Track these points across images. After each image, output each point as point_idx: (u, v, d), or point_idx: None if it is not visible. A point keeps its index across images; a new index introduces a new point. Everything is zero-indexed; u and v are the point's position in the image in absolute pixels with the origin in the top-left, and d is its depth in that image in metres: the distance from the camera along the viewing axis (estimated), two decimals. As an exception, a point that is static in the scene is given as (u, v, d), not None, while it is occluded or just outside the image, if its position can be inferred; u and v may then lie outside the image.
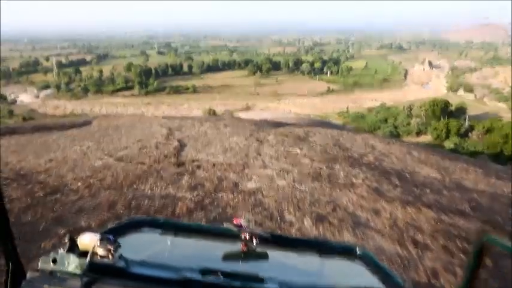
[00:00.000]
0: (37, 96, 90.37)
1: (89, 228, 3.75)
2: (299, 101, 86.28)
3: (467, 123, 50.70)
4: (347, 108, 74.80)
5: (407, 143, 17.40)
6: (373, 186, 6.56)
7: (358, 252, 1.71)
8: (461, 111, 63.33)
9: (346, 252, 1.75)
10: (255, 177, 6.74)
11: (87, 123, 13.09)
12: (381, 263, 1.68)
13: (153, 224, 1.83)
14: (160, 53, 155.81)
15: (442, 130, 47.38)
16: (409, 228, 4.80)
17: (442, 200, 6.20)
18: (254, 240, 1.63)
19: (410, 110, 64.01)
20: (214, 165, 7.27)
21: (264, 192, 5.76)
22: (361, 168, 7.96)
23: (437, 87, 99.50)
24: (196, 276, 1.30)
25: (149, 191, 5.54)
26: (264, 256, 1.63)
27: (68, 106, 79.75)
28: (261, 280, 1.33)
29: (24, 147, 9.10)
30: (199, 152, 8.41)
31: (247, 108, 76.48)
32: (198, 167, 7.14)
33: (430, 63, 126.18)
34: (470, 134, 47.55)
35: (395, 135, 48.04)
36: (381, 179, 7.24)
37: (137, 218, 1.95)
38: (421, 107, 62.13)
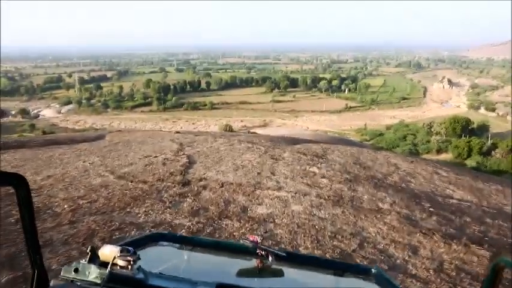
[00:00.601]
0: (59, 112, 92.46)
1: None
2: (316, 118, 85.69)
3: (489, 142, 49.00)
4: (365, 125, 73.64)
5: (431, 161, 16.12)
6: (404, 213, 5.84)
7: (373, 272, 1.70)
8: (483, 129, 61.72)
9: (361, 272, 1.74)
10: (267, 200, 6.09)
11: (100, 137, 12.61)
12: (395, 282, 1.68)
13: (171, 238, 1.88)
14: (179, 70, 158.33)
15: (463, 148, 45.93)
16: (461, 275, 3.93)
17: (489, 231, 5.36)
18: (270, 258, 1.65)
19: (430, 127, 62.52)
20: (222, 185, 6.70)
21: (276, 220, 5.14)
22: (387, 190, 7.24)
23: (457, 105, 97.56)
24: None
25: (142, 217, 4.95)
26: (279, 273, 1.66)
27: (88, 121, 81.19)
28: None
29: (27, 161, 8.55)
30: (208, 169, 7.80)
31: (265, 125, 76.16)
32: (205, 187, 6.57)
33: (449, 81, 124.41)
34: (493, 153, 45.87)
35: (414, 153, 46.68)
36: (411, 203, 6.49)
37: (156, 232, 2.09)
38: (441, 124, 60.70)
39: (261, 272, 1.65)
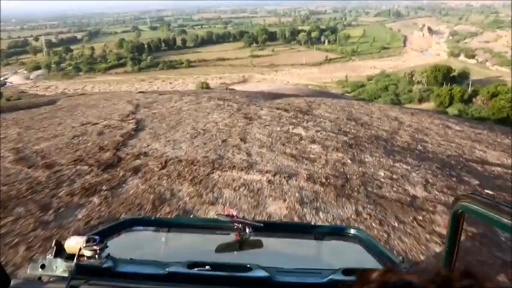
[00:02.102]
0: (28, 78, 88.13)
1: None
2: (296, 71, 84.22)
3: (470, 89, 48.96)
4: (346, 77, 72.67)
5: (432, 112, 14.16)
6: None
7: (353, 233, 1.68)
8: (463, 76, 61.65)
9: (341, 233, 1.73)
10: (228, 192, 4.19)
11: (51, 102, 11.16)
12: (376, 242, 1.66)
13: (146, 222, 1.84)
14: (152, 28, 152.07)
15: (445, 96, 45.93)
16: None
17: None
18: (247, 230, 1.63)
19: (412, 77, 62.09)
20: (165, 164, 4.97)
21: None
22: (405, 158, 5.57)
23: (437, 53, 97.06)
24: (182, 270, 1.29)
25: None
26: (258, 244, 1.65)
27: (59, 86, 77.70)
28: (249, 269, 1.30)
29: None
30: (156, 138, 6.24)
31: (244, 81, 74.46)
32: (137, 169, 4.78)
33: (429, 29, 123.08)
34: (474, 100, 45.95)
35: (396, 103, 46.37)
36: (451, 181, 4.73)
37: (129, 218, 1.93)
38: (422, 74, 60.29)
39: (240, 245, 1.65)
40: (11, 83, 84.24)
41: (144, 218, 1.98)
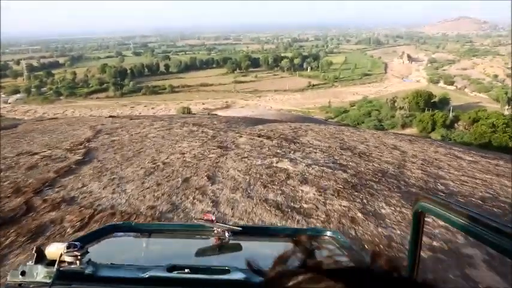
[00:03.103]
0: (6, 102, 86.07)
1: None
2: (279, 97, 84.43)
3: (451, 114, 49.58)
4: (329, 102, 73.09)
5: (431, 140, 13.17)
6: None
7: (329, 235, 1.76)
8: (444, 102, 62.66)
9: (318, 236, 1.78)
10: None
11: (12, 126, 10.20)
12: (351, 244, 1.71)
13: (127, 228, 1.83)
14: (136, 53, 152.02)
15: (427, 122, 46.32)
16: None
17: None
18: (226, 234, 1.68)
19: (394, 102, 62.74)
20: (88, 220, 3.84)
21: None
22: None
23: (417, 80, 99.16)
24: (162, 274, 1.32)
25: None
26: (237, 248, 1.68)
27: (38, 110, 76.00)
28: (227, 271, 1.34)
29: None
30: (100, 176, 5.12)
31: (227, 107, 74.10)
32: (41, 230, 3.63)
33: (409, 57, 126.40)
34: (456, 125, 46.43)
35: (380, 129, 46.49)
36: None
37: (110, 224, 1.95)
38: (404, 99, 60.99)
39: (219, 249, 1.68)
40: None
41: (124, 224, 1.92)
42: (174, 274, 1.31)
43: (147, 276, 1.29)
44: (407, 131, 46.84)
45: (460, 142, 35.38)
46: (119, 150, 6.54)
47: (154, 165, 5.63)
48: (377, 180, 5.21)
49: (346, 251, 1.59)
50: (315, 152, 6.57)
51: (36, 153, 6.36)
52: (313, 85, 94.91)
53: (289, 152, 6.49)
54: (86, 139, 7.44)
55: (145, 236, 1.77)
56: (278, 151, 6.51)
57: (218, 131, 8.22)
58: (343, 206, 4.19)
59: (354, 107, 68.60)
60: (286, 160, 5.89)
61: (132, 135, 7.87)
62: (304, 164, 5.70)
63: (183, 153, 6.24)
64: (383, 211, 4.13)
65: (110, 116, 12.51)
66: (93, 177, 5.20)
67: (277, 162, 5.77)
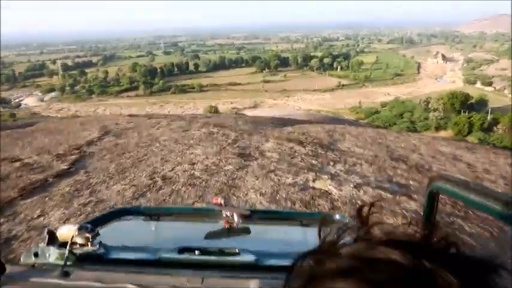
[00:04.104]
0: (42, 100, 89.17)
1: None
2: (309, 97, 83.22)
3: (489, 117, 47.17)
4: (359, 103, 71.30)
5: (492, 148, 10.90)
6: None
7: (336, 218, 1.74)
8: (481, 104, 59.87)
9: (326, 219, 1.68)
10: None
11: (30, 124, 9.96)
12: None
13: (136, 212, 1.86)
14: (166, 52, 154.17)
15: (464, 124, 44.29)
16: None
17: None
18: (235, 217, 1.67)
19: (427, 104, 60.43)
20: None
21: None
22: None
23: (452, 80, 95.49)
24: (173, 255, 1.34)
25: None
26: (246, 231, 1.68)
27: (71, 108, 78.23)
28: (237, 253, 1.36)
29: None
30: (75, 196, 4.31)
31: (255, 106, 73.68)
32: None
33: (443, 56, 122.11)
34: (495, 128, 44.11)
35: (412, 131, 44.79)
36: None
37: (119, 207, 2.04)
38: (438, 101, 58.64)
39: (228, 232, 1.67)
40: (25, 104, 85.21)
41: (134, 208, 1.99)
42: (185, 256, 1.33)
43: (158, 257, 1.31)
44: (442, 133, 44.92)
45: (500, 146, 33.55)
46: (117, 157, 5.78)
47: (151, 181, 4.65)
48: (462, 214, 3.65)
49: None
50: (361, 164, 5.38)
51: (18, 160, 5.74)
52: (343, 85, 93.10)
53: (328, 164, 5.33)
54: (87, 142, 6.80)
55: (155, 220, 1.76)
56: (313, 162, 5.40)
57: (241, 134, 7.26)
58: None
59: (385, 107, 66.62)
60: (326, 177, 4.67)
61: (141, 137, 7.17)
62: (351, 184, 4.41)
63: (193, 164, 5.33)
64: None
65: (129, 115, 12.03)
66: (62, 199, 4.23)
67: (314, 181, 4.57)
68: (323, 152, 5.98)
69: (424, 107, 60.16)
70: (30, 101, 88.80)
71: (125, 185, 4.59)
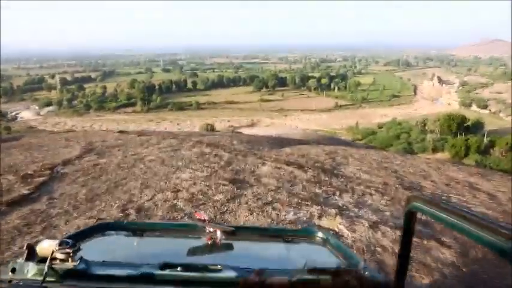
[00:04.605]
0: (38, 113, 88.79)
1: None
2: (306, 116, 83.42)
3: (486, 139, 47.23)
4: (356, 124, 71.46)
5: (505, 175, 8.99)
6: None
7: (320, 236, 1.75)
8: (478, 126, 60.02)
9: (310, 236, 1.77)
10: None
11: (15, 138, 9.63)
12: (342, 244, 1.70)
13: (118, 227, 1.83)
14: (165, 70, 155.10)
15: (461, 146, 44.10)
16: None
17: None
18: (218, 233, 1.66)
19: (424, 125, 60.64)
20: None
21: None
22: None
23: (448, 103, 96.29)
24: (155, 271, 1.32)
25: None
26: (229, 247, 1.67)
27: (68, 123, 77.88)
28: (219, 270, 1.35)
29: None
30: (21, 234, 3.57)
31: (252, 125, 73.69)
32: None
33: (439, 79, 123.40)
34: (491, 151, 44.08)
35: (409, 152, 44.70)
36: None
37: (102, 222, 1.95)
38: (435, 122, 58.86)
39: (211, 248, 1.67)
40: (22, 117, 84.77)
41: (116, 223, 1.92)
42: (167, 272, 1.31)
43: (139, 273, 1.29)
44: (439, 155, 44.84)
45: (497, 169, 33.45)
46: (91, 181, 5.22)
47: (122, 214, 3.99)
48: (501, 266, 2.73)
49: (337, 252, 1.59)
50: (371, 194, 4.73)
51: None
52: (340, 105, 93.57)
53: (334, 194, 4.67)
54: (64, 161, 6.22)
55: (137, 235, 1.74)
56: (317, 191, 4.77)
57: (236, 155, 6.67)
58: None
59: (382, 129, 66.72)
60: (334, 212, 3.99)
61: (126, 157, 6.56)
62: (366, 223, 3.68)
63: (177, 191, 4.70)
64: None
65: (119, 132, 11.60)
66: (9, 237, 3.47)
67: (320, 217, 3.87)
68: (327, 179, 5.47)
69: (420, 128, 60.32)
70: (27, 114, 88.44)
71: (90, 218, 3.96)
